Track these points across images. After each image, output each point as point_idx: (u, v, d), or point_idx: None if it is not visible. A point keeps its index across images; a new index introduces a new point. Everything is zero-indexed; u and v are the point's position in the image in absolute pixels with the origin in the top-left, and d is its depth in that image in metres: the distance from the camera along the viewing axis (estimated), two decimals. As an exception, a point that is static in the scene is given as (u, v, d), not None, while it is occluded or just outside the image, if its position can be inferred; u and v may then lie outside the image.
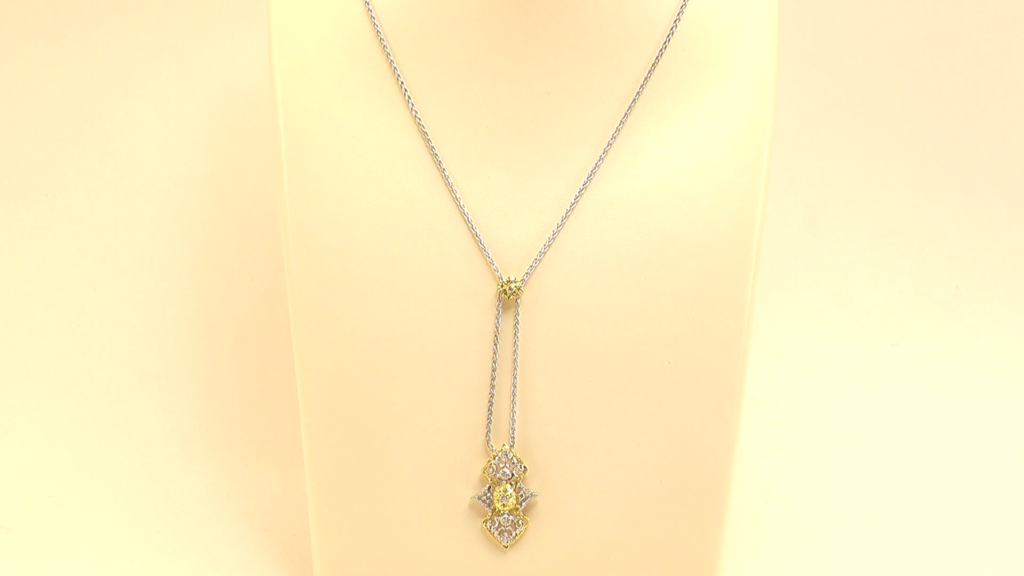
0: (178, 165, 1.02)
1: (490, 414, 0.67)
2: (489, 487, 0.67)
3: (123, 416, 0.93)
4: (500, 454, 0.67)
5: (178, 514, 0.82)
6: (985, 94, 1.05)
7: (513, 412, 0.67)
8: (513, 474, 0.66)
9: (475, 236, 0.67)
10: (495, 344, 0.67)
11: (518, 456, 0.67)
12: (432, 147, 0.68)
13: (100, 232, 1.01)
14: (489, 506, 0.67)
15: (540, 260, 0.67)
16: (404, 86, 0.68)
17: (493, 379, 0.67)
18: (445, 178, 0.68)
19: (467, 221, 0.67)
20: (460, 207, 0.68)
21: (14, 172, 1.03)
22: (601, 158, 0.68)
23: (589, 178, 0.68)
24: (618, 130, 0.68)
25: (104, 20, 1.03)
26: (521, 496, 0.67)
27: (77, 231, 1.01)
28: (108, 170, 1.02)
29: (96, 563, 0.77)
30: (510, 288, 0.67)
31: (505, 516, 0.67)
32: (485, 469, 0.67)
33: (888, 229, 1.05)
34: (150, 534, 0.80)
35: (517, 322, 0.67)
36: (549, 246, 0.68)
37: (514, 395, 0.67)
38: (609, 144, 0.68)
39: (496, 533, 0.67)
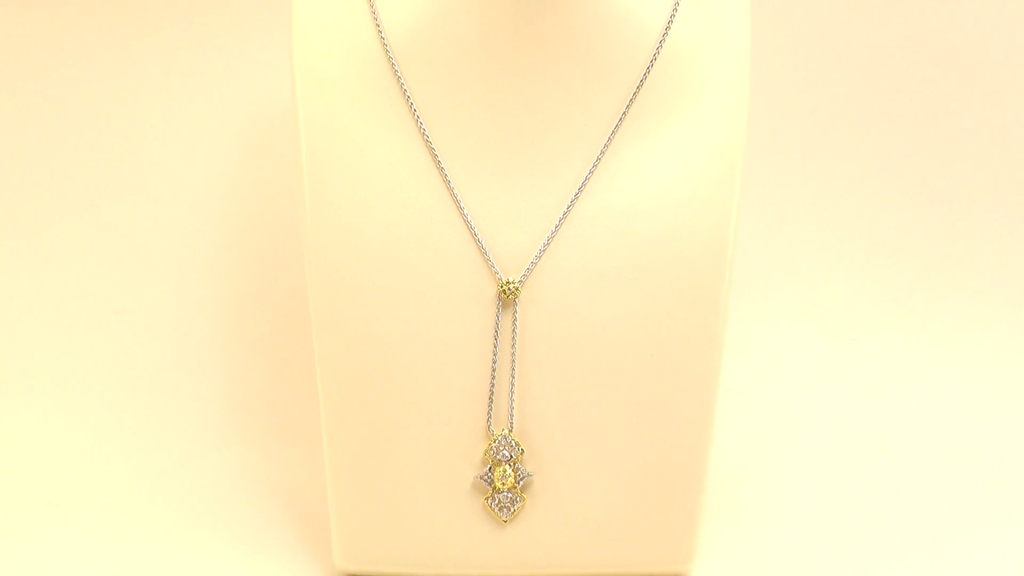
0: (212, 178, 1.02)
1: (491, 402, 0.67)
2: (490, 468, 0.67)
3: (160, 403, 0.93)
4: (500, 438, 0.67)
5: (210, 492, 0.82)
6: (939, 114, 1.05)
7: (512, 400, 0.67)
8: (512, 456, 0.67)
9: (477, 241, 0.68)
10: (495, 339, 0.67)
11: (516, 440, 0.67)
12: (438, 160, 0.68)
13: (141, 237, 1.01)
14: (490, 485, 0.67)
15: (536, 263, 0.68)
16: (413, 105, 0.68)
17: (493, 371, 0.67)
18: (450, 188, 0.68)
19: (469, 227, 0.68)
20: (463, 215, 0.68)
21: (66, 185, 1.02)
22: (591, 170, 0.68)
23: (580, 189, 0.68)
24: (607, 145, 0.69)
25: (147, 47, 1.03)
26: (519, 476, 0.67)
27: (120, 237, 1.01)
28: (149, 182, 1.02)
29: (135, 536, 0.77)
30: (509, 288, 0.67)
31: (504, 494, 0.67)
32: (486, 451, 0.67)
33: (850, 235, 1.05)
34: (184, 510, 0.80)
35: (515, 319, 0.67)
36: (544, 250, 0.68)
37: (512, 385, 0.67)
38: (599, 158, 0.68)
39: (496, 509, 0.67)
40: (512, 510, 0.67)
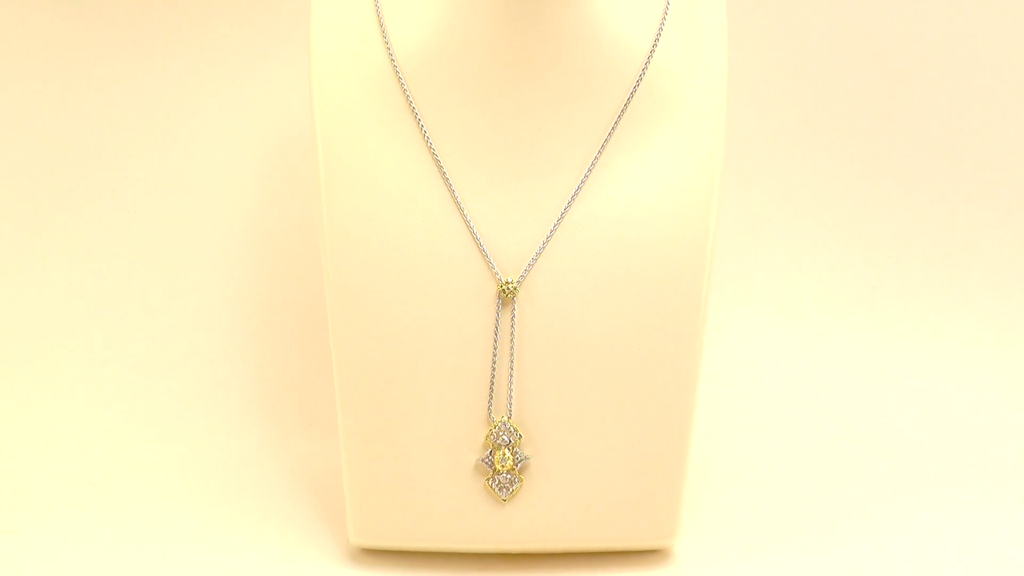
0: (240, 187, 1.01)
1: (491, 392, 0.68)
2: (491, 451, 0.68)
3: (192, 392, 0.94)
4: (500, 424, 0.68)
5: (236, 474, 0.83)
6: (913, 119, 1.04)
7: (510, 390, 0.68)
8: (510, 441, 0.67)
9: (479, 245, 0.68)
10: (495, 335, 0.68)
11: (514, 426, 0.68)
12: (443, 170, 0.69)
13: (176, 242, 1.01)
14: (491, 467, 0.68)
15: (533, 265, 0.68)
16: (421, 121, 0.69)
17: (494, 363, 0.68)
18: (454, 197, 0.69)
19: (472, 232, 0.69)
20: (466, 221, 0.69)
21: (106, 195, 1.02)
22: (583, 181, 0.69)
23: (573, 197, 0.69)
24: (596, 158, 0.70)
25: (183, 69, 1.02)
26: (517, 459, 0.68)
27: (157, 242, 1.01)
28: (184, 194, 1.02)
29: (167, 512, 0.78)
30: (508, 288, 0.68)
31: (504, 475, 0.68)
32: (487, 437, 0.68)
33: (819, 239, 1.04)
34: (212, 490, 0.81)
35: (514, 316, 0.68)
36: (540, 253, 0.69)
37: (511, 376, 0.68)
38: (589, 169, 0.69)
39: (496, 489, 0.68)
40: (511, 490, 0.68)
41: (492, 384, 0.68)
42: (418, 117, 0.70)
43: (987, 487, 0.83)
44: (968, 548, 0.75)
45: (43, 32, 1.02)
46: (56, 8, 1.01)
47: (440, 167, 0.69)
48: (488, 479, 0.68)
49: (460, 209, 0.69)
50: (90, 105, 1.03)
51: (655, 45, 0.71)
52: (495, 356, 0.68)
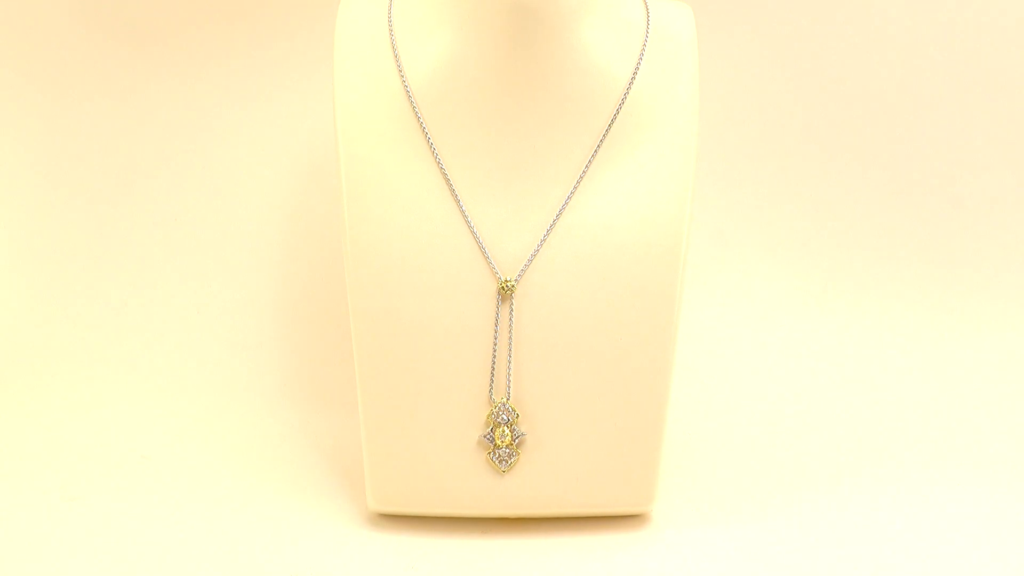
0: (273, 197, 1.03)
1: (492, 375, 0.69)
2: (492, 428, 0.69)
3: (232, 377, 0.96)
4: (500, 405, 0.69)
5: (268, 448, 0.84)
6: (846, 149, 1.05)
7: (509, 375, 0.69)
8: (509, 419, 0.68)
9: (481, 248, 0.69)
10: (495, 326, 0.69)
11: (513, 406, 0.69)
12: (450, 183, 0.70)
13: (216, 246, 1.03)
14: (492, 442, 0.69)
15: (529, 265, 0.69)
16: (431, 140, 0.70)
17: (495, 350, 0.69)
18: (459, 206, 0.70)
19: (475, 237, 0.70)
20: (470, 227, 0.69)
21: (152, 203, 1.03)
22: (572, 192, 0.70)
23: (564, 206, 0.70)
24: (584, 172, 0.71)
25: (226, 99, 1.04)
26: (514, 435, 0.69)
27: (199, 246, 1.03)
28: (224, 202, 1.03)
29: (209, 479, 0.79)
30: (507, 285, 0.69)
31: (503, 449, 0.69)
32: (489, 415, 0.69)
33: (776, 242, 1.05)
34: (251, 462, 0.82)
35: (512, 310, 0.69)
36: (535, 255, 0.70)
37: (510, 362, 0.69)
38: (578, 182, 0.70)
39: (497, 462, 0.69)
40: (509, 463, 0.69)
41: (493, 370, 0.69)
42: (428, 137, 0.70)
43: (934, 451, 0.85)
44: (922, 509, 0.76)
45: (108, 61, 1.03)
46: (119, 40, 1.02)
47: (447, 180, 0.70)
48: (489, 453, 0.69)
49: (465, 216, 0.70)
50: (147, 124, 1.04)
51: (635, 74, 0.72)
52: (495, 345, 0.69)
